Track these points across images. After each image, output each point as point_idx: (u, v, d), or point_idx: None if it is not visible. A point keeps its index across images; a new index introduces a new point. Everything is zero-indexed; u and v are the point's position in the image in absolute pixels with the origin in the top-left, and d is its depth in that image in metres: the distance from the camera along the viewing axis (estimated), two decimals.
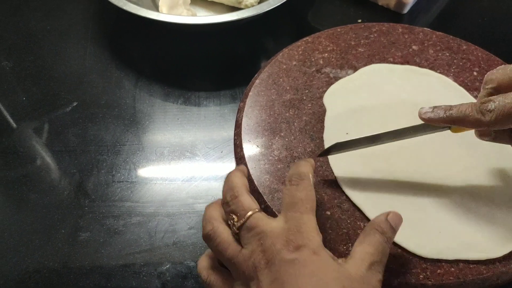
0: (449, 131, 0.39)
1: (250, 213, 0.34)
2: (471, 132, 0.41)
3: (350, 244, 0.39)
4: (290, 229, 0.32)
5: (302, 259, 0.31)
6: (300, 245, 0.31)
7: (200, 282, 0.42)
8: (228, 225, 0.35)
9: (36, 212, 0.46)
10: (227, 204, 0.35)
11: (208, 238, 0.35)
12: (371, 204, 0.41)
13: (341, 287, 0.30)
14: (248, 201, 0.35)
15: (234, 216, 0.34)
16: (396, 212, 0.35)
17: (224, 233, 0.34)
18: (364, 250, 0.33)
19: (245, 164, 0.44)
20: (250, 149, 0.45)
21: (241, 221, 0.34)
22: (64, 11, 0.66)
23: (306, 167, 0.36)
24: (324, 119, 0.47)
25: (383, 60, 0.52)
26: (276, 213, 0.41)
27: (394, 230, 0.34)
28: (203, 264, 0.37)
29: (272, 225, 0.33)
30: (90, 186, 0.48)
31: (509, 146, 0.44)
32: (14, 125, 0.54)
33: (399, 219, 0.35)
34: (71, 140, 0.52)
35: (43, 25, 0.64)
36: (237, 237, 0.34)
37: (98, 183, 0.48)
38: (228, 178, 0.37)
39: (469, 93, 0.49)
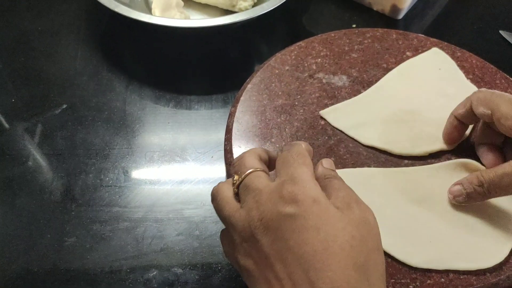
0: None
1: (249, 171, 0.32)
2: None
3: None
4: (285, 182, 0.30)
5: (302, 211, 0.28)
6: (297, 194, 0.29)
7: None
8: None
9: (22, 216, 0.46)
10: (233, 166, 0.34)
11: (212, 198, 0.34)
12: None
13: (350, 237, 0.28)
14: (250, 161, 0.33)
15: (236, 176, 0.33)
16: (324, 160, 0.34)
17: (225, 192, 0.33)
18: (340, 195, 0.30)
19: None
20: None
21: (240, 179, 0.32)
22: (56, 12, 0.65)
23: (299, 144, 0.34)
24: (315, 125, 0.47)
25: (377, 66, 0.52)
26: None
27: (333, 169, 0.33)
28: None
29: (268, 182, 0.31)
30: (78, 190, 0.47)
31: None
32: (6, 126, 0.53)
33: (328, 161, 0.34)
34: (60, 143, 0.51)
35: (35, 26, 0.63)
36: (238, 197, 0.32)
37: (85, 187, 0.48)
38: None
39: None
